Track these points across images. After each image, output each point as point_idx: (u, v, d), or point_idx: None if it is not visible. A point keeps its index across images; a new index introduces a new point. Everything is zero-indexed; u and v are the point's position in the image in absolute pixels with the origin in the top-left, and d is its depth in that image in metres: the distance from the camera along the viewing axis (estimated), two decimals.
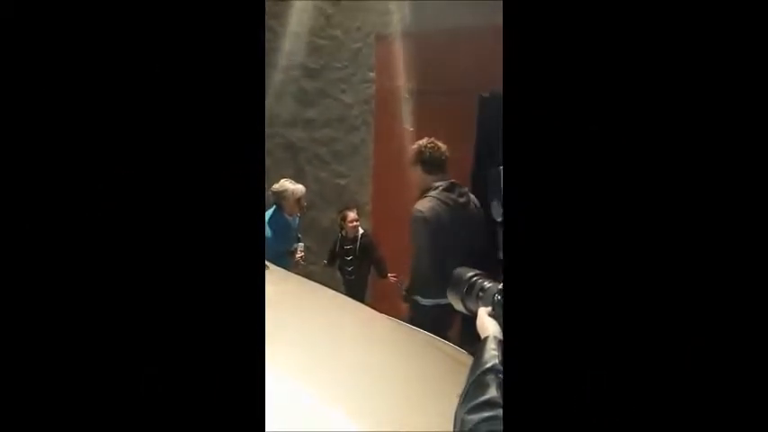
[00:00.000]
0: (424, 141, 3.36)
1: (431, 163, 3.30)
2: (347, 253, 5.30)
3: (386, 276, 5.13)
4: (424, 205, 3.19)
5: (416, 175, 3.39)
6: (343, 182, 5.91)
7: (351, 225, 5.28)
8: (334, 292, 3.37)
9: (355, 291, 5.10)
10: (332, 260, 5.50)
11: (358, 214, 5.29)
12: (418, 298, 3.37)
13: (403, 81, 4.97)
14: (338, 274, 5.39)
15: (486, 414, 1.19)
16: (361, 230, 5.29)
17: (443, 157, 3.31)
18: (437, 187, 3.23)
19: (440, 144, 3.34)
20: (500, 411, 1.17)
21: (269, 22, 5.25)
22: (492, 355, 1.30)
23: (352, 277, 5.34)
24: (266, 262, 3.10)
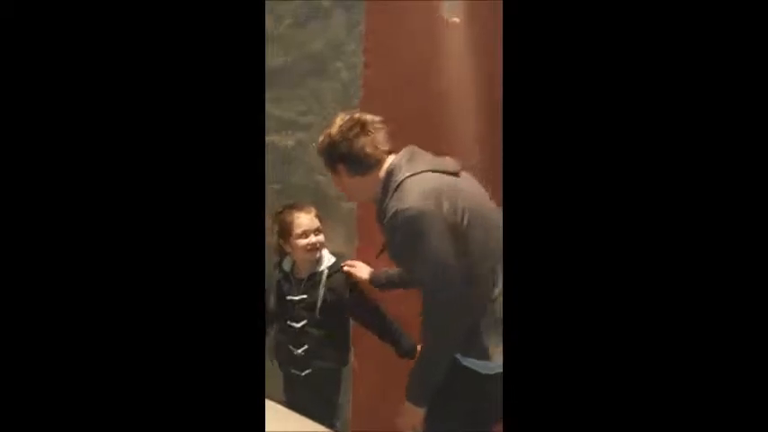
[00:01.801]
0: (340, 121, 1.98)
1: (352, 159, 1.95)
2: (296, 314, 2.49)
3: (412, 354, 2.40)
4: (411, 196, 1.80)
5: (342, 181, 2.04)
6: (291, 143, 3.06)
7: (304, 245, 2.48)
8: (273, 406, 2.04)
9: (316, 396, 2.43)
10: None
11: (320, 219, 2.53)
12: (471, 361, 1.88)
13: None
14: (275, 364, 2.57)
15: None
16: (328, 258, 2.53)
17: (366, 150, 1.92)
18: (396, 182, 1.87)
19: (363, 117, 1.97)
20: None
21: None
22: None
23: (307, 371, 2.48)
24: None
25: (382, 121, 1.98)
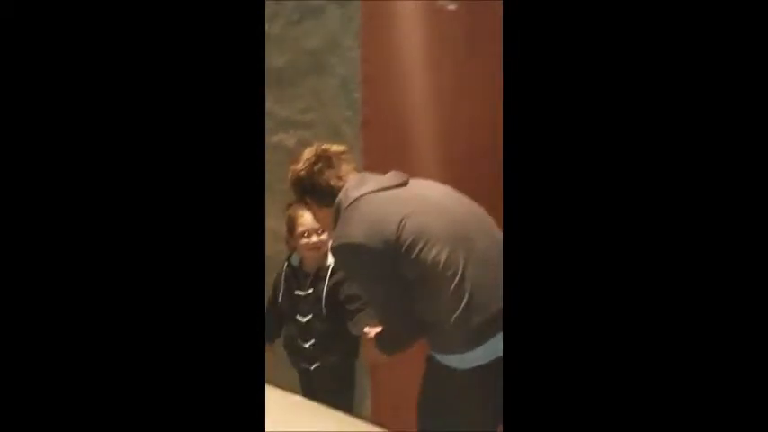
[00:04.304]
0: (306, 156, 2.07)
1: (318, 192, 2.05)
2: (302, 308, 2.52)
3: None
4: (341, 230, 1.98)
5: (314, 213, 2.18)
6: (293, 142, 3.07)
7: (305, 244, 2.50)
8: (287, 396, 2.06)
9: (330, 390, 2.45)
10: (270, 328, 2.64)
11: (322, 218, 2.35)
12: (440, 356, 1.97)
13: None
14: (286, 355, 2.61)
15: None
16: (331, 258, 2.47)
17: (330, 183, 2.01)
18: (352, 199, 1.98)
19: (328, 150, 2.07)
20: None
21: None
22: None
23: (315, 365, 2.51)
24: None
25: (346, 152, 2.09)
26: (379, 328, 2.06)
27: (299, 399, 2.27)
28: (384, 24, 2.83)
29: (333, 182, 1.99)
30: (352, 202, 1.93)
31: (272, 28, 2.94)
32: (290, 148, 3.04)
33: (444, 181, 2.15)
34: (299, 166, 2.04)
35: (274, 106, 3.06)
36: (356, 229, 1.88)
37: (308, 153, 2.05)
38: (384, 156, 2.85)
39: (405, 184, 1.99)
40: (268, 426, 1.61)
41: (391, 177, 2.00)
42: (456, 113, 2.78)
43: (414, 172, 2.75)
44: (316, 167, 2.01)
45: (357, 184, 1.97)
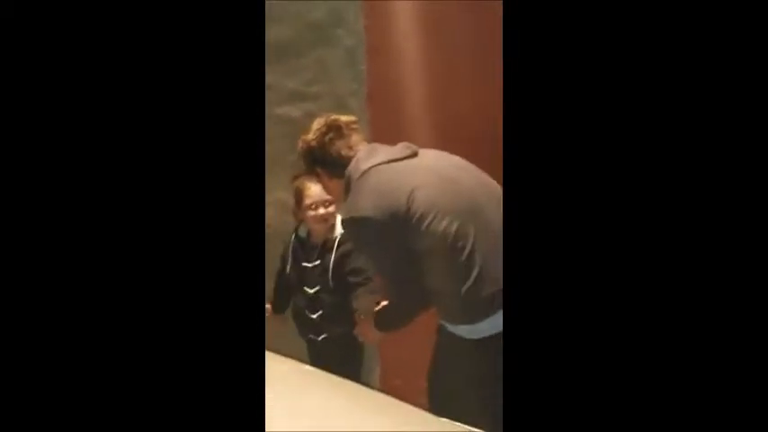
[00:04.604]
0: (316, 126, 2.05)
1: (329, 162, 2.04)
2: (309, 280, 2.52)
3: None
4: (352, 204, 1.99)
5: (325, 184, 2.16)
6: (298, 114, 2.98)
7: (313, 216, 2.49)
8: (298, 366, 1.86)
9: (337, 361, 2.41)
10: (280, 299, 2.67)
11: (332, 189, 2.36)
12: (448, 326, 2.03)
13: None
14: (294, 326, 2.62)
15: None
16: (339, 229, 2.46)
17: (341, 153, 2.00)
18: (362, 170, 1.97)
19: (338, 120, 2.05)
20: None
21: None
22: None
23: (324, 336, 2.53)
24: None
25: (356, 122, 2.08)
26: (381, 305, 2.06)
27: (310, 369, 2.29)
28: None
29: (344, 152, 1.99)
30: (362, 174, 1.93)
31: None
32: (296, 120, 3.04)
33: (448, 151, 2.15)
34: (310, 136, 2.03)
35: (281, 78, 3.05)
36: (366, 201, 1.88)
37: (318, 123, 2.04)
38: (390, 128, 2.85)
39: (414, 155, 1.98)
40: (274, 396, 1.65)
41: (401, 149, 1.99)
42: (462, 84, 2.78)
43: (420, 143, 2.75)
44: (326, 137, 2.00)
45: (367, 156, 1.96)
